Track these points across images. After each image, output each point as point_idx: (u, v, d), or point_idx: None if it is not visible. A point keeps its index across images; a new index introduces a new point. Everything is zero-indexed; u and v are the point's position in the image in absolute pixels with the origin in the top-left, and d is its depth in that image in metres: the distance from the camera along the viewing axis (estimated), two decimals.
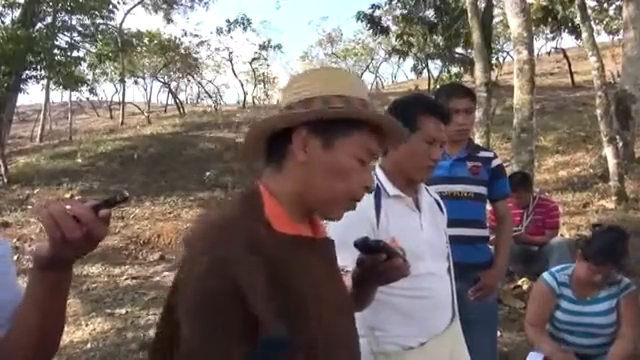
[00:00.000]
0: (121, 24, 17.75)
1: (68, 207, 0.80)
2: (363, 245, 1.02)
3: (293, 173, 0.95)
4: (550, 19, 13.47)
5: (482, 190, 2.46)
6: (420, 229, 1.58)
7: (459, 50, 14.52)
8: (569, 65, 15.94)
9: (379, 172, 1.64)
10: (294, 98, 0.97)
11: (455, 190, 2.35)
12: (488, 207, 2.65)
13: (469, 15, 7.46)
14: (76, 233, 0.78)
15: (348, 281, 1.11)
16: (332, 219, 1.00)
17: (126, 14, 18.28)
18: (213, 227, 0.88)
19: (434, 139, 1.60)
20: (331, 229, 1.45)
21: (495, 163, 2.57)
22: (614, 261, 2.37)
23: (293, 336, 0.81)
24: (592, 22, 9.14)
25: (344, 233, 1.19)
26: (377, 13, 13.92)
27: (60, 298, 0.90)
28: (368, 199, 1.54)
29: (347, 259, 1.10)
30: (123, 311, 4.88)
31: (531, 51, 5.99)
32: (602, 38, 18.34)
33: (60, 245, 0.79)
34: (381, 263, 1.04)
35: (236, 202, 0.96)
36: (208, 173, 10.20)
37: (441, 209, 1.72)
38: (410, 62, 19.20)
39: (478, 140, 6.85)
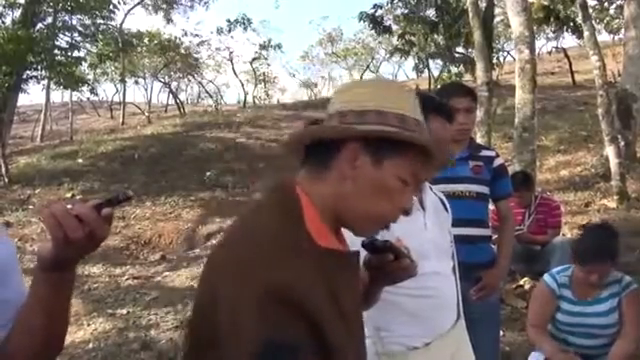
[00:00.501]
0: (121, 24, 17.77)
1: (70, 207, 0.79)
2: (371, 246, 1.01)
3: (336, 185, 0.91)
4: (552, 19, 13.46)
5: (484, 189, 2.45)
6: (424, 228, 1.58)
7: (460, 49, 14.52)
8: (570, 64, 15.94)
9: None
10: (348, 106, 0.93)
11: (457, 190, 2.34)
12: (491, 206, 2.65)
13: (470, 14, 7.45)
14: (78, 233, 0.78)
15: None
16: (363, 236, 0.98)
17: (126, 14, 18.32)
18: (261, 242, 0.83)
19: (440, 139, 1.59)
20: None
21: (497, 162, 2.56)
22: (603, 260, 2.35)
23: (316, 343, 0.80)
24: (593, 21, 9.12)
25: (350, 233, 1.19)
26: (379, 13, 13.94)
27: (64, 298, 0.89)
28: None
29: None
30: (124, 311, 4.88)
31: (532, 50, 5.98)
32: (603, 37, 18.33)
33: (62, 245, 0.79)
34: (389, 264, 1.03)
35: (273, 209, 0.90)
36: (209, 173, 10.20)
37: (445, 208, 1.71)
38: (410, 62, 19.20)
39: (479, 139, 6.84)
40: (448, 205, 1.74)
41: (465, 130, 2.44)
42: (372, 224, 0.95)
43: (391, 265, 1.03)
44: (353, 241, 1.01)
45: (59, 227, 0.77)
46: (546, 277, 2.60)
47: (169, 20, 21.14)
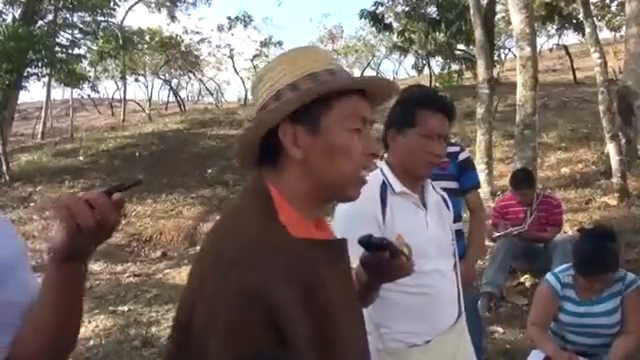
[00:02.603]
0: (122, 21, 17.77)
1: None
2: (367, 243, 1.01)
3: (294, 171, 0.91)
4: (555, 16, 13.42)
5: (452, 185, 2.54)
6: (426, 227, 1.57)
7: (461, 47, 14.49)
8: (571, 62, 15.88)
9: (385, 168, 1.63)
10: (266, 95, 0.93)
11: None
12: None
13: (471, 12, 7.44)
14: (90, 220, 0.79)
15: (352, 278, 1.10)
16: (352, 199, 0.96)
17: (127, 11, 18.32)
18: (237, 242, 0.82)
19: (432, 133, 1.58)
20: (336, 225, 1.44)
21: (462, 156, 2.65)
22: (605, 271, 2.34)
23: (314, 347, 0.79)
24: (595, 18, 9.09)
25: (349, 229, 1.19)
26: (379, 10, 13.90)
27: (77, 292, 0.90)
28: (374, 195, 1.53)
29: (352, 255, 1.09)
30: (126, 308, 4.89)
31: (534, 47, 5.97)
32: (604, 34, 18.25)
33: (76, 234, 0.79)
34: (385, 261, 1.03)
35: (247, 207, 0.90)
36: (210, 170, 10.20)
37: (448, 206, 1.71)
38: (411, 59, 19.13)
39: (480, 137, 6.86)
40: (450, 203, 1.74)
41: None
42: (348, 185, 0.94)
43: (387, 263, 1.03)
44: (352, 237, 1.01)
45: (72, 216, 0.78)
46: (549, 276, 2.58)
47: (173, 18, 21.10)
